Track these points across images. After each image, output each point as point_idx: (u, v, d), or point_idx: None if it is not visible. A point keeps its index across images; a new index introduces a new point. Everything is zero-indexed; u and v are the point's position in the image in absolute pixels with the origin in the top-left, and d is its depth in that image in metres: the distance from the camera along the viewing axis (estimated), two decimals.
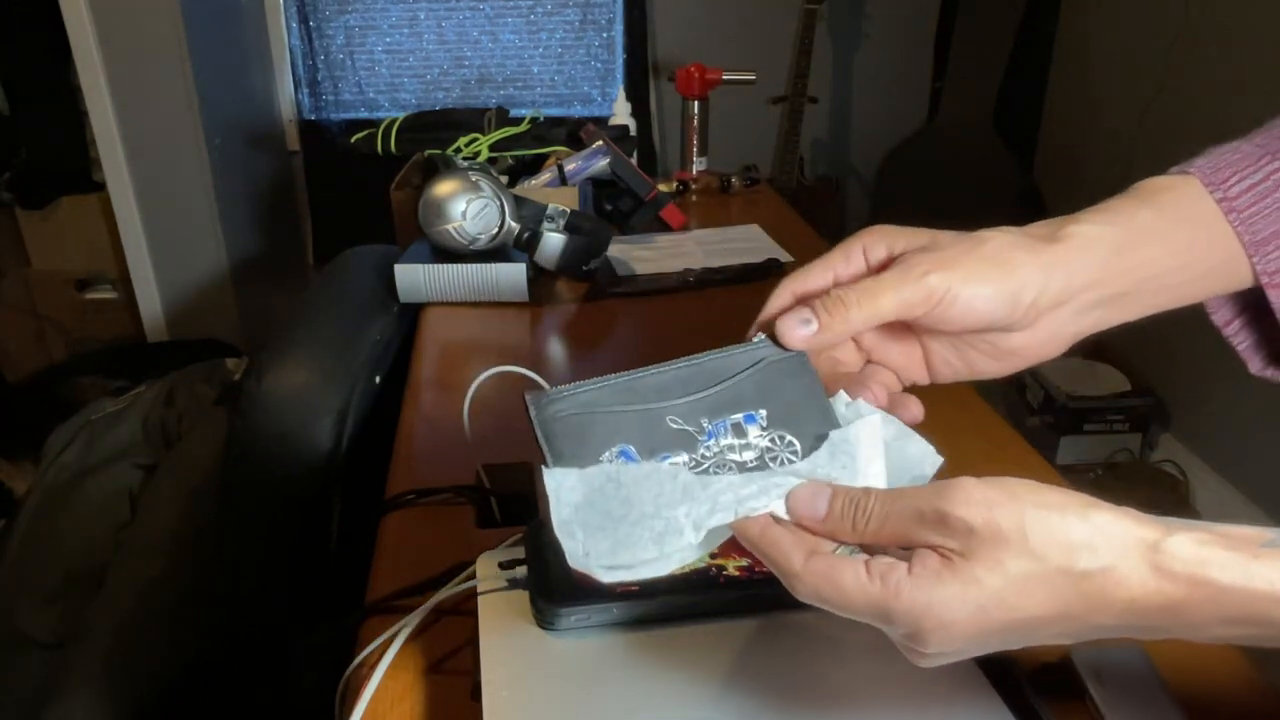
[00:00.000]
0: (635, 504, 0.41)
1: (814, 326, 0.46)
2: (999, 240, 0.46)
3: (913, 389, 0.51)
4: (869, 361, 0.51)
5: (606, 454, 0.44)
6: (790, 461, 0.45)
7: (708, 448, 0.45)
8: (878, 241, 0.48)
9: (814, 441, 0.45)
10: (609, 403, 0.45)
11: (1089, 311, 0.47)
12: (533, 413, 0.45)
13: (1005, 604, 0.37)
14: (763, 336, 0.48)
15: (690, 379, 0.47)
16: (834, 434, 0.44)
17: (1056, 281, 0.45)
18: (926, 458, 0.45)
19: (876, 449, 0.44)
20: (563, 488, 0.41)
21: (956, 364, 0.50)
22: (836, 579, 0.39)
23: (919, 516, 0.38)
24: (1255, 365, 0.54)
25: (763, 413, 0.46)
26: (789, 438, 0.46)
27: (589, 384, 0.46)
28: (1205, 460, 2.36)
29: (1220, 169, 0.47)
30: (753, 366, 0.47)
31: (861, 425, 0.44)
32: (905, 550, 0.39)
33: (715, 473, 0.44)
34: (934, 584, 0.37)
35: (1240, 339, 0.54)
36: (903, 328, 0.50)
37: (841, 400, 0.47)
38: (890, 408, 0.48)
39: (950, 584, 0.37)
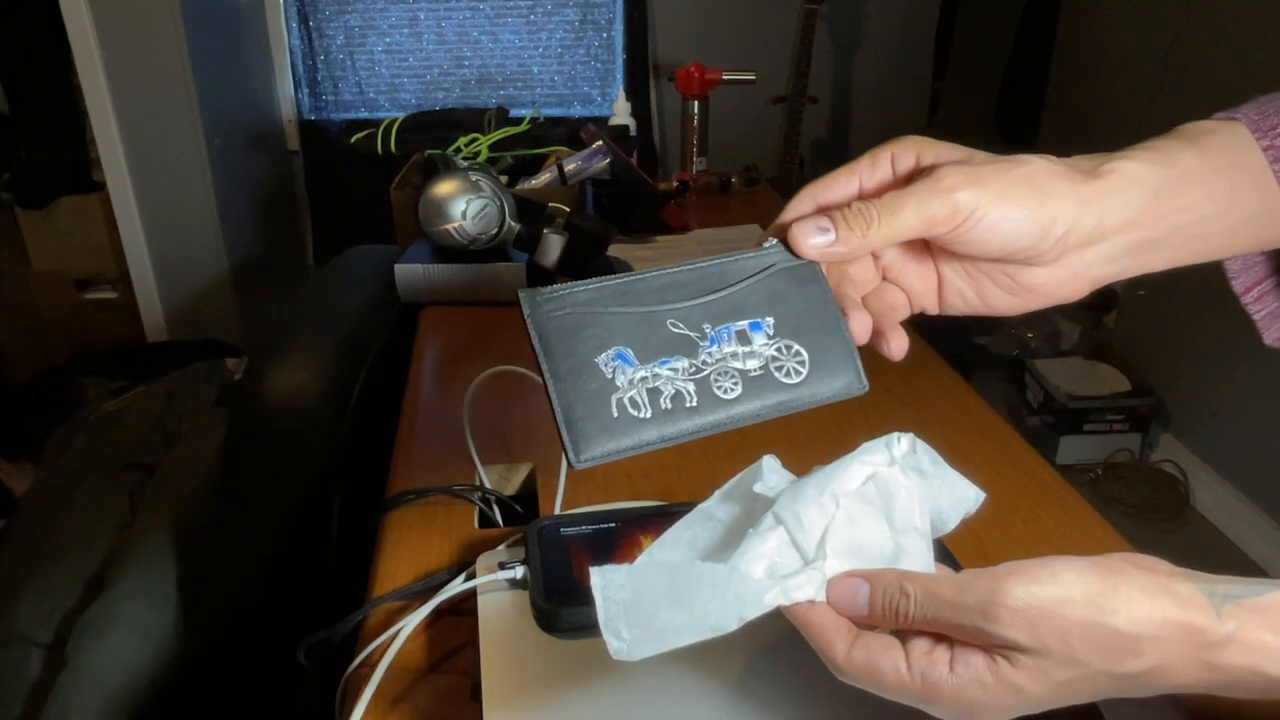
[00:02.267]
0: (685, 606, 0.40)
1: (831, 236, 0.44)
2: (1037, 165, 0.43)
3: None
4: (884, 279, 0.49)
5: (602, 355, 0.42)
6: (798, 372, 0.44)
7: (709, 354, 0.43)
8: (907, 150, 0.46)
9: (821, 356, 0.44)
10: (607, 303, 0.43)
11: (1118, 258, 0.45)
12: (526, 310, 0.42)
13: (1048, 702, 0.38)
14: (775, 241, 0.46)
15: (694, 282, 0.45)
16: (877, 477, 0.42)
17: (1090, 218, 0.43)
18: (970, 495, 0.44)
19: (918, 496, 0.42)
20: (610, 585, 0.40)
21: (970, 295, 0.48)
22: (877, 673, 0.39)
23: (959, 629, 0.38)
24: (1272, 335, 0.52)
25: (770, 320, 0.44)
26: (796, 347, 0.44)
27: (587, 283, 0.43)
28: (1205, 460, 2.36)
29: (1269, 115, 0.46)
30: (762, 272, 0.45)
31: (899, 471, 0.43)
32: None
33: (716, 380, 0.43)
34: (977, 689, 0.37)
35: (1260, 306, 0.52)
36: (923, 248, 0.48)
37: (898, 437, 0.44)
38: (877, 339, 0.46)
39: (993, 690, 0.37)
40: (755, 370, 0.43)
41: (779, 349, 0.44)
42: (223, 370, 1.55)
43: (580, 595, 0.55)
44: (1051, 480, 0.82)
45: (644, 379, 0.42)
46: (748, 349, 0.44)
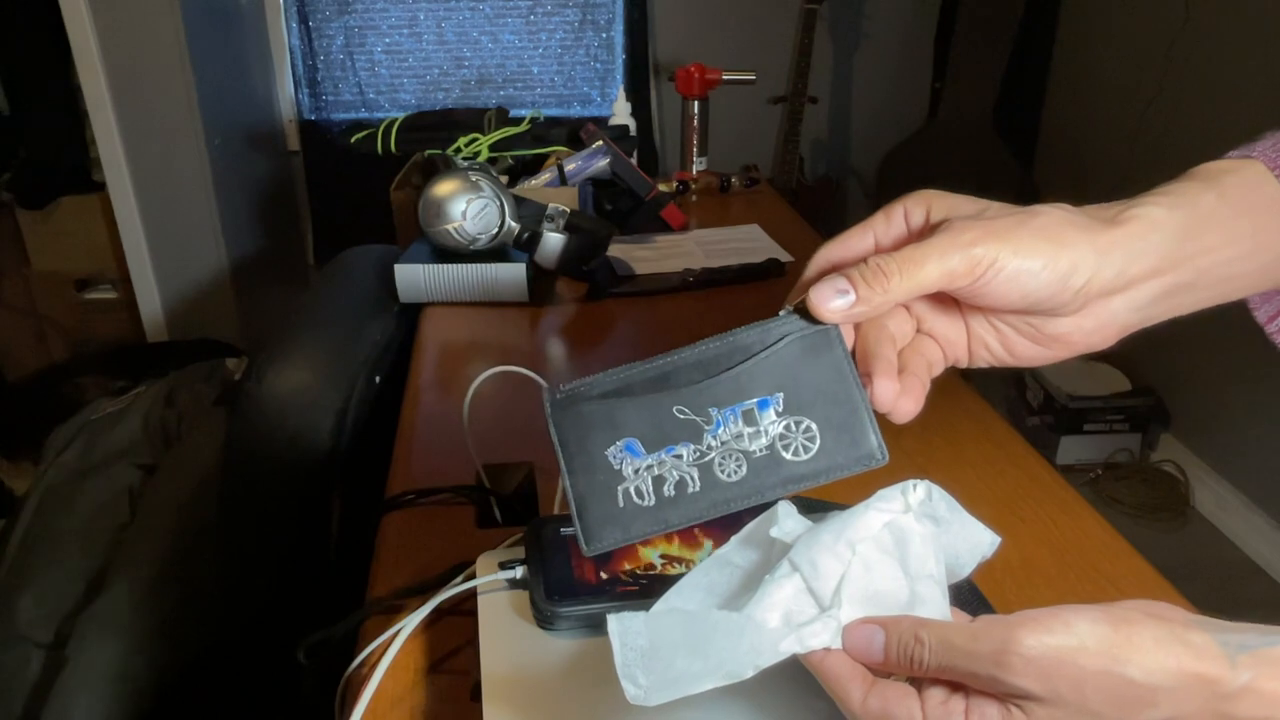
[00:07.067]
0: (701, 653, 0.40)
1: (851, 297, 0.43)
2: (1053, 216, 0.43)
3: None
4: (919, 330, 0.48)
5: (611, 449, 0.44)
6: (807, 449, 0.44)
7: (715, 438, 0.44)
8: (919, 205, 0.45)
9: (834, 430, 0.44)
10: (620, 395, 0.45)
11: (1145, 305, 0.45)
12: (548, 409, 0.45)
13: None
14: (789, 309, 0.45)
15: (707, 362, 0.45)
16: (892, 524, 0.42)
17: (1111, 266, 0.43)
18: (985, 539, 0.44)
19: (932, 543, 0.42)
20: (628, 633, 0.40)
21: (995, 346, 0.48)
22: None
23: (973, 677, 0.38)
24: None
25: (780, 396, 0.44)
26: (807, 423, 0.44)
27: (605, 377, 0.45)
28: (1205, 460, 2.36)
29: None
30: (774, 345, 0.45)
31: (914, 519, 0.42)
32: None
33: (720, 464, 0.44)
34: None
35: None
36: (950, 301, 0.47)
37: (913, 485, 0.43)
38: (901, 393, 0.45)
39: None
40: (761, 450, 0.44)
41: (787, 426, 0.44)
42: (223, 370, 1.55)
43: (581, 595, 0.55)
44: (1051, 480, 0.82)
45: (649, 467, 0.44)
46: (754, 429, 0.44)
